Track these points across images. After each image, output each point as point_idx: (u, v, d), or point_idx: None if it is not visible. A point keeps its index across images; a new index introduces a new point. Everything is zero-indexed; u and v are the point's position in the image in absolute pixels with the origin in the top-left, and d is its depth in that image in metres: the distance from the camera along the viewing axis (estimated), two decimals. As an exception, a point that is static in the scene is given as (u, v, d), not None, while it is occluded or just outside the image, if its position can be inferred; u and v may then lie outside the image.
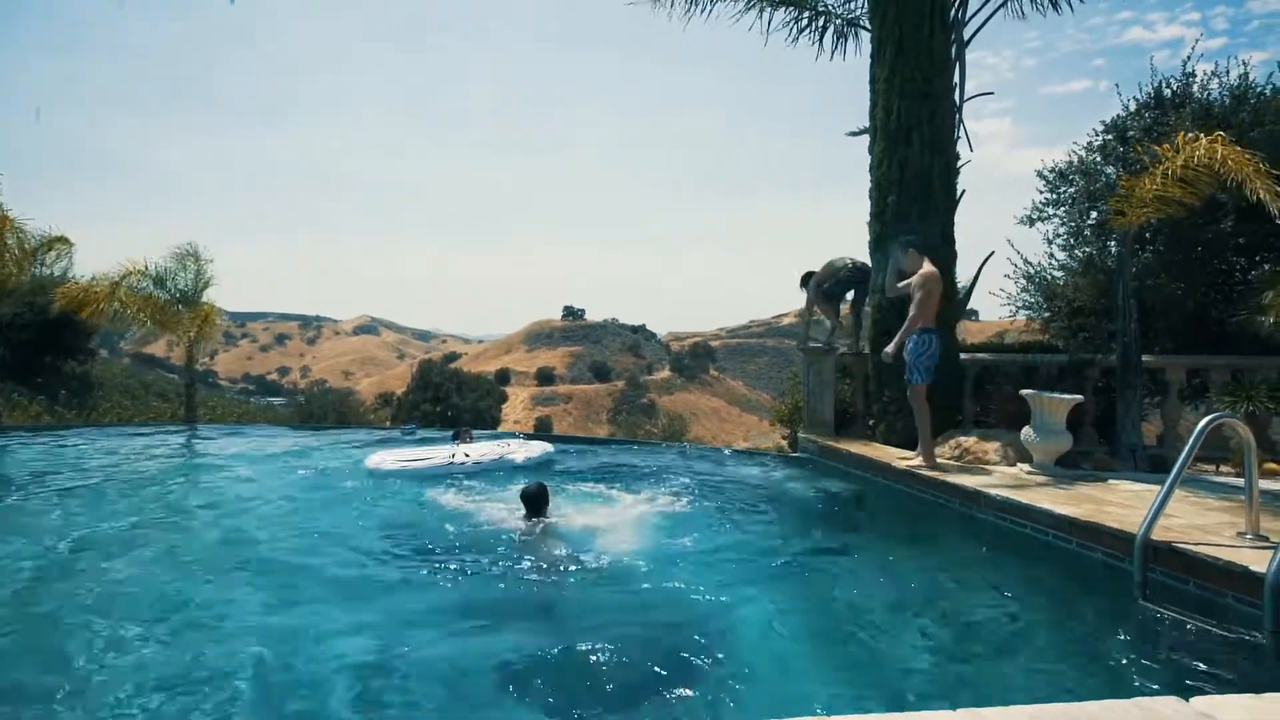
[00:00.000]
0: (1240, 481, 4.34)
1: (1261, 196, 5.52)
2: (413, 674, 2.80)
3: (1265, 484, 4.14)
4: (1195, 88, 8.49)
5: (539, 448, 7.37)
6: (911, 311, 5.97)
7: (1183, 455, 3.71)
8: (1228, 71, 8.35)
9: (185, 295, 11.59)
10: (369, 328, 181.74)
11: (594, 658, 2.93)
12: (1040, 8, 8.57)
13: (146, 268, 11.37)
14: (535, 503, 4.78)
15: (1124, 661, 3.06)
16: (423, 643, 3.12)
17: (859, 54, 9.53)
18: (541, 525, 4.67)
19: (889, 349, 6.20)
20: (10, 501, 5.77)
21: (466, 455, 6.90)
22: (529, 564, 4.05)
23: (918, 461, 6.07)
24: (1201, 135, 5.99)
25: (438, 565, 4.08)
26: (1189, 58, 8.59)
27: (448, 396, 31.84)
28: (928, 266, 6.12)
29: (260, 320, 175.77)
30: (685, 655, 2.99)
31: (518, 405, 72.20)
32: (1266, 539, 3.73)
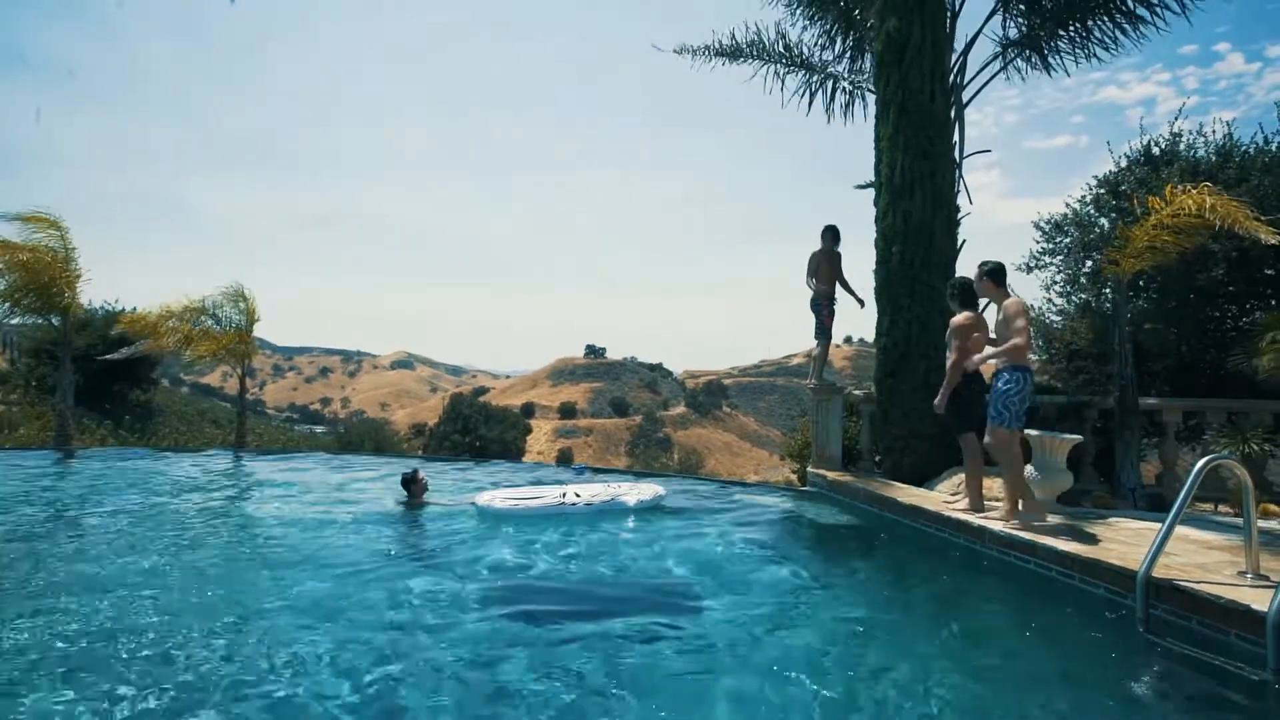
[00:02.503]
0: (1239, 521, 4.22)
1: (1255, 232, 5.49)
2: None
3: (1264, 524, 4.01)
4: (1182, 145, 8.51)
5: (650, 490, 6.72)
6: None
7: (1181, 495, 3.62)
8: (1214, 131, 8.38)
9: (238, 329, 11.88)
10: (405, 363, 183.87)
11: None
12: (1028, 72, 8.70)
13: (203, 303, 11.71)
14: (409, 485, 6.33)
15: (1129, 696, 2.95)
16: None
17: (866, 118, 9.76)
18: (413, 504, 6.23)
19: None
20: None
21: (578, 496, 6.41)
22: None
23: (1000, 512, 5.22)
24: (1189, 186, 6.01)
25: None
26: (1176, 117, 8.64)
27: (476, 428, 31.94)
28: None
29: (306, 354, 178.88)
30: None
31: (541, 437, 72.11)
32: (1267, 579, 3.60)
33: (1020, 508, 5.02)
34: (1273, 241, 5.54)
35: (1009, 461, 5.00)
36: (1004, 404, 4.95)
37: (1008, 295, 5.19)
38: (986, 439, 5.13)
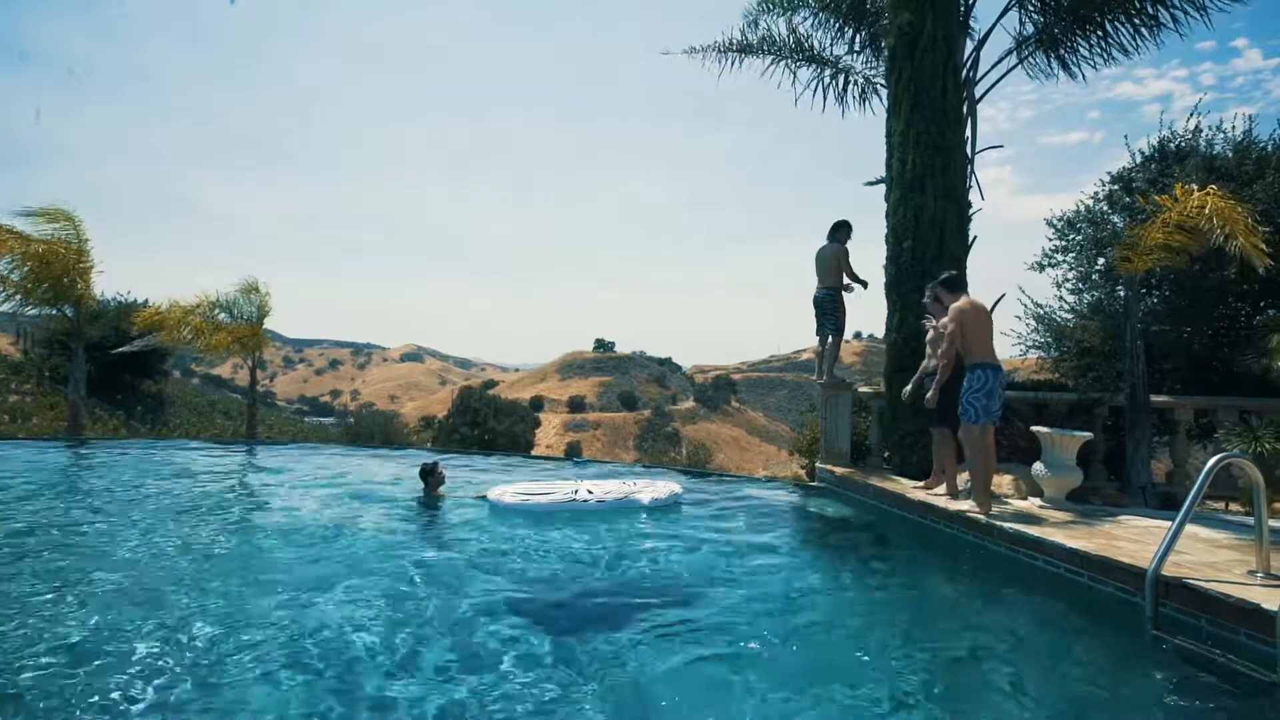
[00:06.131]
0: (1249, 520, 4.20)
1: (1246, 252, 5.48)
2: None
3: (1275, 523, 3.99)
4: (1201, 141, 8.42)
5: (665, 487, 6.52)
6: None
7: (1192, 493, 3.61)
8: (1233, 127, 8.29)
9: (250, 322, 11.99)
10: (415, 355, 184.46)
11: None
12: (1047, 68, 8.63)
13: (218, 298, 11.81)
14: (427, 477, 6.37)
15: (1137, 694, 2.95)
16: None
17: (876, 112, 9.72)
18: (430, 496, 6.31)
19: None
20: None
21: (590, 492, 6.29)
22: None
23: (967, 505, 5.46)
24: (1195, 188, 5.96)
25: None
26: (1195, 111, 8.55)
27: (485, 421, 32.05)
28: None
29: (316, 347, 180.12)
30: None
31: (550, 431, 72.28)
32: (1278, 578, 3.59)
33: (973, 497, 5.41)
34: (1262, 266, 5.56)
35: (974, 454, 5.37)
36: (969, 400, 5.33)
37: (964, 298, 5.59)
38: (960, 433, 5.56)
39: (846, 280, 7.72)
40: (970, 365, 5.38)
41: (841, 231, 7.75)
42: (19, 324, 16.99)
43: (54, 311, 11.65)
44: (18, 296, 10.86)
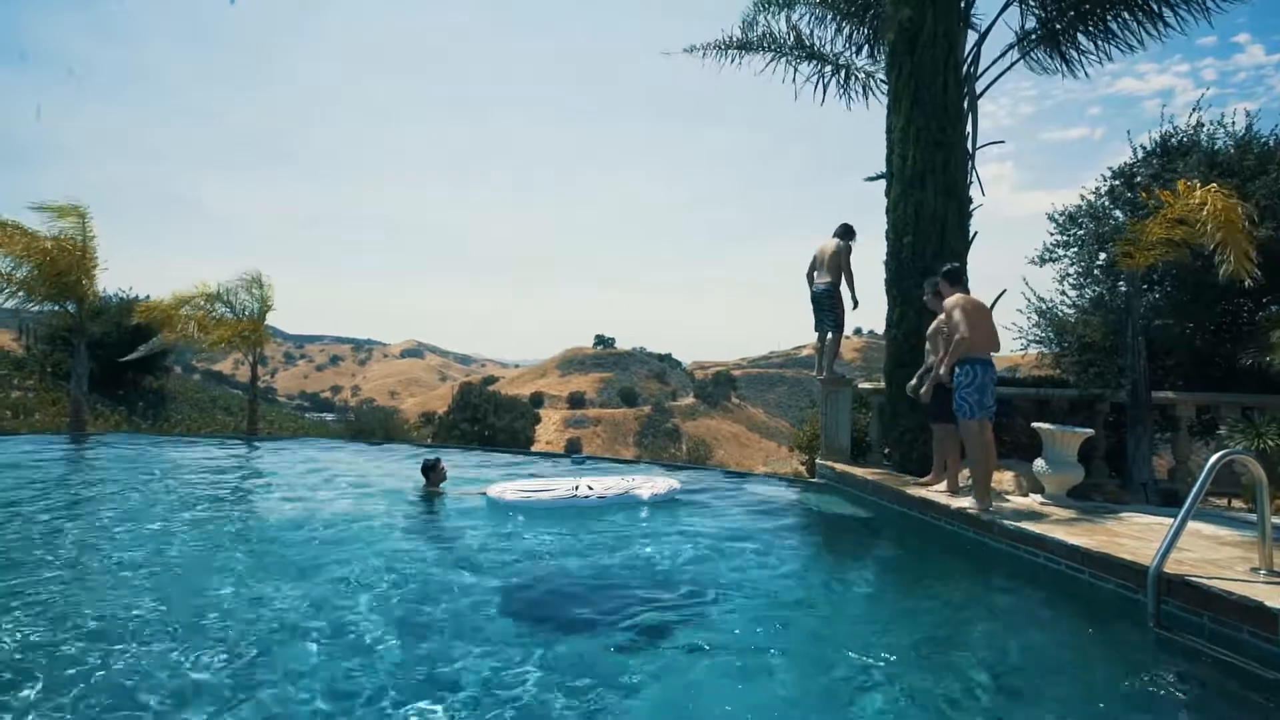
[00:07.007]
0: (1252, 516, 4.19)
1: (1234, 259, 5.47)
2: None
3: (1278, 520, 3.97)
4: (1203, 137, 8.37)
5: (664, 483, 6.56)
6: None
7: (1194, 490, 3.59)
8: (1233, 122, 8.24)
9: (252, 316, 11.96)
10: (415, 351, 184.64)
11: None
12: (1051, 68, 8.58)
13: (218, 291, 11.77)
14: (429, 473, 6.42)
15: (1139, 692, 2.94)
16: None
17: (875, 108, 9.67)
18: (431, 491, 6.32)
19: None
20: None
21: (590, 488, 6.31)
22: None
23: (968, 501, 5.46)
24: (1198, 184, 5.93)
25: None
26: (1197, 106, 8.50)
27: (485, 417, 32.02)
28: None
29: (317, 343, 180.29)
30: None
31: (550, 427, 72.29)
32: (1280, 575, 3.57)
33: (974, 494, 5.41)
34: (1248, 280, 5.57)
35: (973, 450, 5.36)
36: (960, 397, 5.33)
37: (961, 293, 5.57)
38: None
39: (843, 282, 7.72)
40: (959, 361, 5.33)
41: (848, 233, 7.80)
42: (21, 320, 17.01)
43: (57, 308, 11.65)
44: (21, 293, 10.86)
